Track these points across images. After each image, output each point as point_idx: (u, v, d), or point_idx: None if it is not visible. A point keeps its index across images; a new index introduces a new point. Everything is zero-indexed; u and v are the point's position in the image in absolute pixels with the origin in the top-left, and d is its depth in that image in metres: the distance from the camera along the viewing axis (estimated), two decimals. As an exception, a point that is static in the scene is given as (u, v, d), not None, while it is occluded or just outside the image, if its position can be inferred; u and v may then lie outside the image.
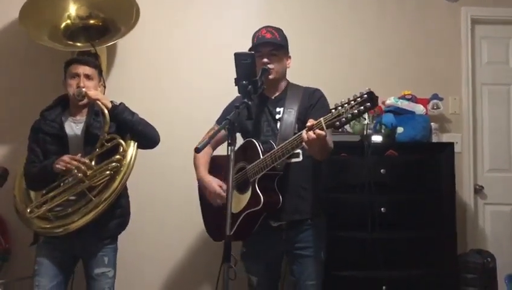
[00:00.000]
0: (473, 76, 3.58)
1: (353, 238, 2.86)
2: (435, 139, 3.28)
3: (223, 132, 2.31)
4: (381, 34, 3.53)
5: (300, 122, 2.28)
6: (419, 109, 3.27)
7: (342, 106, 1.85)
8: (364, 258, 2.84)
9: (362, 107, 1.80)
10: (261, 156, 2.22)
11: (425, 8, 3.58)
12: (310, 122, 1.96)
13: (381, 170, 2.92)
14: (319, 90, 2.44)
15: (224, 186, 2.33)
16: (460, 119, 3.53)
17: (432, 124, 3.30)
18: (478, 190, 3.53)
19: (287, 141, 2.12)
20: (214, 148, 2.54)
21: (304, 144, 2.01)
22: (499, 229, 3.54)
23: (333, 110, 1.89)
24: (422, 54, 3.54)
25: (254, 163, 2.25)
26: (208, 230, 2.59)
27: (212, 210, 2.46)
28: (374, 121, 3.16)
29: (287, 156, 2.15)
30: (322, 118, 1.93)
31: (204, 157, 2.46)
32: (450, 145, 3.10)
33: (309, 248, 2.32)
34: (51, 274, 2.42)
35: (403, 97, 3.31)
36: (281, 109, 2.37)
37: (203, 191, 2.47)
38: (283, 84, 2.46)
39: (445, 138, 3.41)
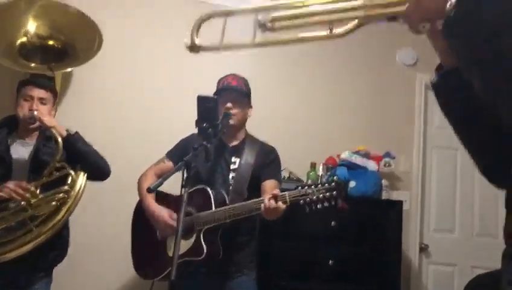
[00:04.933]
0: (424, 138, 3.75)
1: (297, 289, 2.84)
2: (385, 195, 3.37)
3: (170, 164, 2.32)
4: (340, 91, 3.66)
5: (254, 179, 2.30)
6: (371, 165, 3.37)
7: (310, 186, 1.92)
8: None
9: (328, 194, 1.87)
10: (213, 208, 2.21)
11: (383, 70, 3.77)
12: (266, 187, 2.00)
13: (332, 222, 2.96)
14: (274, 150, 2.47)
15: (174, 216, 2.28)
16: (410, 178, 3.66)
17: (382, 181, 3.39)
18: (423, 249, 3.62)
19: (246, 203, 2.14)
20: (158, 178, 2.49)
21: (262, 209, 2.04)
22: (441, 289, 3.62)
23: (300, 188, 1.94)
24: (378, 112, 3.69)
25: (205, 213, 2.22)
26: (136, 264, 2.45)
27: (145, 243, 2.39)
28: (328, 173, 3.23)
29: (242, 217, 2.15)
30: (287, 193, 1.98)
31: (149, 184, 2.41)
32: (399, 203, 3.19)
33: None
34: None
35: (357, 152, 3.41)
36: (237, 160, 2.38)
37: (151, 222, 2.38)
38: (241, 134, 2.48)
39: (394, 195, 3.51)
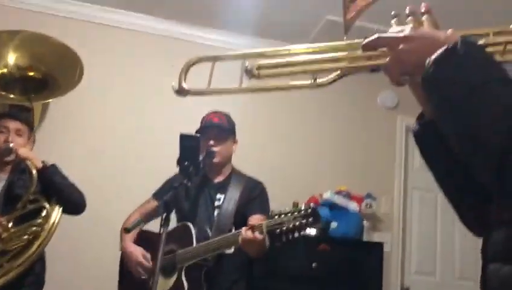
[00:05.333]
0: (405, 179, 3.78)
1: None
2: (366, 237, 3.36)
3: (155, 203, 2.29)
4: (322, 132, 3.70)
5: (239, 215, 2.27)
6: (353, 206, 3.37)
7: (285, 214, 1.89)
8: None
9: (304, 221, 1.84)
10: (194, 244, 2.17)
11: (365, 113, 3.83)
12: (252, 221, 1.97)
13: (313, 264, 2.92)
14: (261, 184, 2.44)
15: (148, 256, 2.25)
16: (391, 219, 3.66)
17: (364, 222, 3.39)
18: (405, 292, 3.59)
19: (224, 236, 2.09)
20: (142, 217, 2.45)
21: (240, 241, 2.00)
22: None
23: (276, 217, 1.91)
24: (359, 153, 3.73)
25: (185, 249, 2.17)
26: None
27: (130, 284, 2.32)
28: (310, 213, 3.21)
29: (221, 251, 2.11)
30: (263, 222, 1.94)
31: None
32: (380, 245, 3.18)
33: None
34: None
35: (339, 192, 3.41)
36: (222, 196, 2.35)
37: (126, 263, 2.34)
38: (227, 169, 2.46)
39: (376, 236, 3.50)
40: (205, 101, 3.35)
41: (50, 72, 2.88)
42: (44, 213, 2.27)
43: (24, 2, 3.40)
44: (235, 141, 2.48)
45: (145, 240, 2.35)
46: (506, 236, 0.78)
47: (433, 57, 0.78)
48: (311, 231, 3.06)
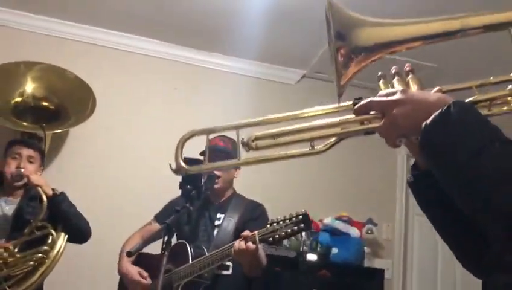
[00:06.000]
0: (406, 206, 3.79)
1: None
2: (367, 263, 3.35)
3: (157, 226, 2.31)
4: (323, 157, 3.70)
5: (238, 233, 2.28)
6: (354, 231, 3.38)
7: (277, 222, 1.91)
8: None
9: (296, 227, 1.87)
10: (190, 261, 2.18)
11: (365, 139, 3.83)
12: (244, 233, 1.99)
13: (313, 290, 2.92)
14: (262, 205, 2.46)
15: (144, 274, 2.27)
16: (392, 245, 3.66)
17: (365, 248, 3.39)
18: (405, 319, 3.56)
19: (218, 250, 2.11)
20: (144, 240, 2.46)
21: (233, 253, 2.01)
22: None
23: (268, 225, 1.93)
24: (360, 179, 3.75)
25: (181, 267, 2.19)
26: None
27: None
28: (311, 238, 3.22)
29: (216, 265, 2.12)
30: (256, 231, 1.96)
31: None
32: (381, 272, 3.17)
33: None
34: None
35: (339, 218, 3.42)
36: (222, 216, 2.38)
37: (124, 283, 2.35)
38: (229, 193, 2.49)
39: (376, 263, 3.49)
40: (207, 123, 3.42)
41: (63, 104, 3.01)
42: (50, 240, 2.30)
43: (40, 26, 3.45)
44: (238, 167, 2.52)
45: (143, 262, 2.37)
46: (506, 282, 0.79)
47: (429, 121, 0.80)
48: (312, 257, 3.07)
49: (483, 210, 0.76)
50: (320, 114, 0.97)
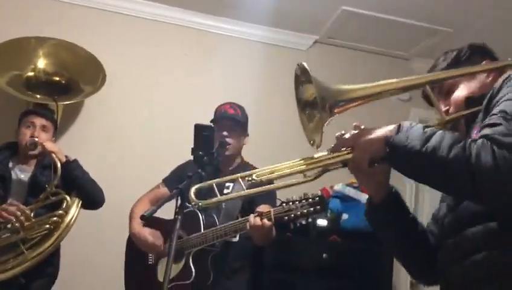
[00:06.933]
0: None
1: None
2: (377, 229, 3.37)
3: (165, 190, 2.35)
4: (335, 124, 3.69)
5: (246, 203, 2.31)
6: (364, 198, 3.38)
7: (293, 202, 1.93)
8: None
9: (312, 209, 1.88)
10: (202, 230, 2.21)
11: (378, 105, 3.78)
12: (260, 209, 2.01)
13: (324, 255, 2.95)
14: None
15: (157, 234, 2.32)
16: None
17: (375, 214, 3.40)
18: (414, 285, 3.61)
19: (232, 223, 2.14)
20: (156, 205, 2.50)
21: (248, 228, 2.04)
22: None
23: (284, 204, 1.95)
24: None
25: (193, 235, 2.23)
26: None
27: (137, 271, 2.39)
28: (321, 205, 3.23)
29: (228, 237, 2.16)
30: (272, 209, 1.98)
31: (142, 210, 2.42)
32: (391, 237, 3.19)
33: None
34: None
35: (350, 185, 3.42)
36: (231, 185, 2.39)
37: (136, 245, 2.39)
38: (237, 161, 2.50)
39: (387, 229, 3.51)
40: (220, 93, 3.43)
41: (74, 78, 3.07)
42: (64, 205, 2.35)
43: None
44: (246, 135, 2.53)
45: (153, 226, 2.40)
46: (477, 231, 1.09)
47: (389, 134, 1.12)
48: (322, 222, 3.10)
49: (442, 175, 1.03)
50: (304, 164, 1.26)
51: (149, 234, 2.32)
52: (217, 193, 2.32)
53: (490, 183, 0.95)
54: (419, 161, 1.04)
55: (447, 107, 1.33)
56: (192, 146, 2.12)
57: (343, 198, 3.31)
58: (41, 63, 3.05)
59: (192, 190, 1.29)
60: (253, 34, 3.78)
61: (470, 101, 1.26)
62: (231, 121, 2.42)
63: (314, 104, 1.22)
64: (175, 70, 3.62)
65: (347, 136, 1.22)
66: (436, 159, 1.01)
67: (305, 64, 1.23)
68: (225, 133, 2.38)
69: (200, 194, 2.29)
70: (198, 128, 2.13)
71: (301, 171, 1.21)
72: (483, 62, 1.32)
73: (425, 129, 1.08)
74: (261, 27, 3.76)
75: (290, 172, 1.22)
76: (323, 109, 1.19)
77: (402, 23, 3.47)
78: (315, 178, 1.21)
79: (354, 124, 1.25)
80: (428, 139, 1.04)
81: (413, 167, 1.08)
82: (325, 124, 1.21)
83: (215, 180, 1.35)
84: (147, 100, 3.53)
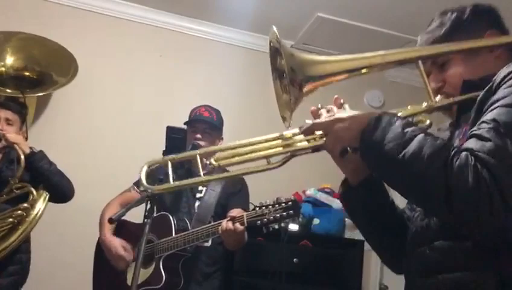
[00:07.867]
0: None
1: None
2: (347, 234, 3.40)
3: (136, 194, 2.29)
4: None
5: (220, 207, 2.29)
6: (336, 203, 3.41)
7: (267, 206, 1.92)
8: None
9: (285, 213, 1.88)
10: (174, 234, 2.18)
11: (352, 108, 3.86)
12: (233, 213, 1.99)
13: (294, 259, 2.96)
14: (243, 180, 2.45)
15: (128, 247, 2.25)
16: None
17: (346, 219, 3.42)
18: (383, 289, 3.65)
19: (204, 227, 2.11)
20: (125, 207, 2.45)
21: (220, 232, 2.02)
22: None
23: (257, 209, 1.94)
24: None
25: (164, 239, 2.19)
26: None
27: (106, 274, 2.33)
28: (293, 209, 3.24)
29: (200, 241, 2.12)
30: (244, 213, 1.97)
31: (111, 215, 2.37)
32: (361, 243, 3.22)
33: None
34: None
35: (322, 190, 3.44)
36: (204, 189, 2.37)
37: (105, 253, 2.33)
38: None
39: (357, 234, 3.53)
40: (193, 93, 3.40)
41: (46, 71, 3.01)
42: (30, 198, 2.28)
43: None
44: (221, 138, 2.51)
45: (123, 229, 2.36)
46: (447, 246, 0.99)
47: (366, 126, 0.98)
48: (293, 227, 3.10)
49: (423, 188, 0.91)
50: (271, 139, 1.13)
51: (119, 245, 2.26)
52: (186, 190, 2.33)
53: (465, 205, 0.84)
54: (393, 167, 0.94)
55: (440, 84, 1.14)
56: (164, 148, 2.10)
57: (315, 203, 3.32)
58: (10, 60, 2.97)
59: (143, 173, 1.17)
60: (230, 38, 3.79)
61: (467, 85, 1.07)
62: (205, 124, 2.40)
63: (285, 76, 1.07)
64: (148, 70, 3.58)
65: (323, 117, 1.08)
66: (412, 169, 0.90)
67: (275, 28, 1.14)
68: (198, 135, 2.36)
69: (170, 206, 2.27)
70: (170, 131, 2.11)
71: (266, 157, 1.09)
72: (487, 32, 1.12)
73: (406, 129, 0.94)
74: (238, 31, 3.76)
75: (254, 157, 1.09)
76: (293, 83, 1.04)
77: (376, 31, 3.52)
78: (280, 165, 1.09)
79: (336, 96, 1.13)
80: (406, 143, 0.91)
81: (386, 172, 0.98)
82: (296, 105, 1.07)
83: (169, 156, 1.23)
84: (121, 101, 3.48)
